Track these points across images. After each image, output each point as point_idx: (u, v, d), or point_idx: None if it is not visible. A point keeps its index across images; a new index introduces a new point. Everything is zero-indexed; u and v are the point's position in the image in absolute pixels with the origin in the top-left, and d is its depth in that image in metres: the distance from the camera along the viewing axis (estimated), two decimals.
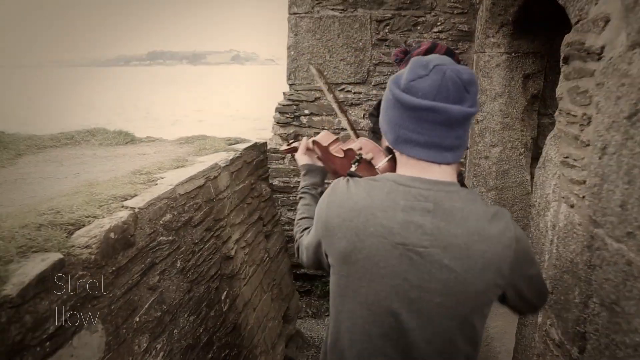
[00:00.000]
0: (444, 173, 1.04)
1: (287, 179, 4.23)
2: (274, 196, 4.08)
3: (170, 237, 1.87)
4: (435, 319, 1.02)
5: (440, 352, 1.04)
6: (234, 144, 2.99)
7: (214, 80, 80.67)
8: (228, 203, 2.50)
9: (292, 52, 3.98)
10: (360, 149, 1.32)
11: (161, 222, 1.82)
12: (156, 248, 1.78)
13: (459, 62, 1.43)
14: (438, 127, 0.98)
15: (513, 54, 3.32)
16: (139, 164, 2.40)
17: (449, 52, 1.80)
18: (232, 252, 2.47)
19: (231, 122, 21.16)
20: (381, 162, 1.25)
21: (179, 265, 1.95)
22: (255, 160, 3.02)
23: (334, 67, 3.92)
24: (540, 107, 3.59)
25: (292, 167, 4.17)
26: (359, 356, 1.09)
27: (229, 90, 47.12)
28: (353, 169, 1.24)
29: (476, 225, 0.99)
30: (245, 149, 2.86)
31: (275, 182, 4.21)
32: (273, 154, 4.12)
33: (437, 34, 3.76)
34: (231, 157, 2.61)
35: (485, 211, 1.01)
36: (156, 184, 1.99)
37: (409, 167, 1.05)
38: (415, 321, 1.02)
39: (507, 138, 3.51)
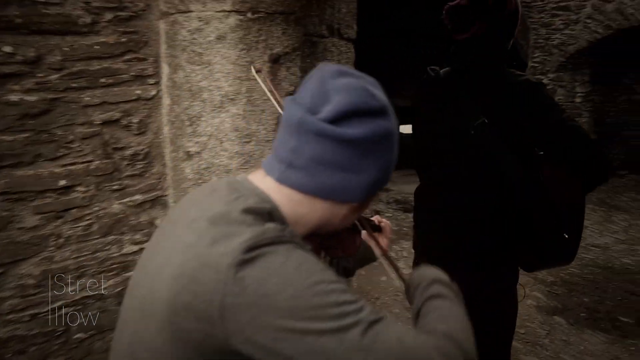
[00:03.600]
0: (260, 180, 0.77)
1: None
2: None
3: None
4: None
5: None
6: None
7: None
8: None
9: None
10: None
11: None
12: None
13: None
14: (282, 130, 0.75)
15: (249, 15, 1.63)
16: None
17: None
18: None
19: None
20: None
21: None
22: None
23: None
24: None
25: None
26: None
27: None
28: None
29: (194, 213, 0.73)
30: None
31: None
32: None
33: None
34: None
35: (223, 210, 0.70)
36: None
37: None
38: None
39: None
